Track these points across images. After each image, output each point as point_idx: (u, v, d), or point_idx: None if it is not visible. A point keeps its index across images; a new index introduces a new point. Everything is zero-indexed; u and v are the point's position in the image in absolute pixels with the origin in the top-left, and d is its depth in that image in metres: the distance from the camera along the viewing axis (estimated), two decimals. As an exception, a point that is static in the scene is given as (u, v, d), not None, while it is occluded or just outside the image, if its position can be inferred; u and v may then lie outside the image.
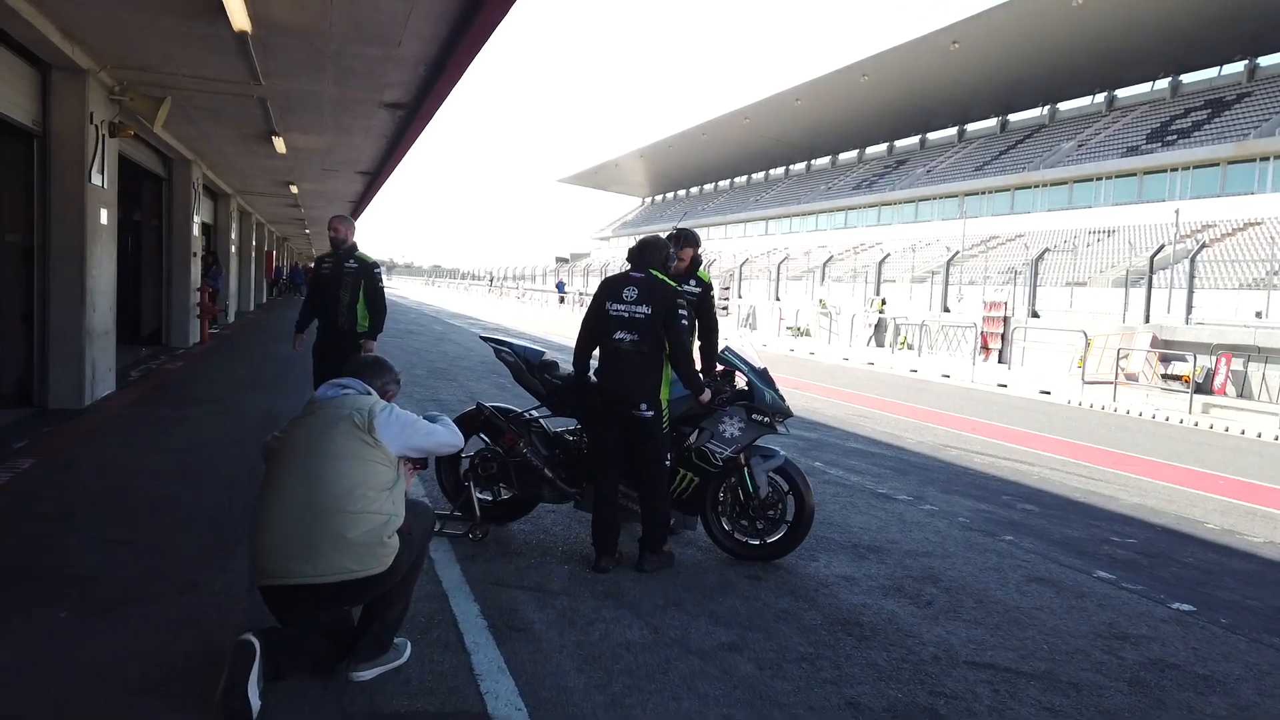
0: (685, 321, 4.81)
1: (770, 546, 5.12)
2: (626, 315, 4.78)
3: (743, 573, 4.92)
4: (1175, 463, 10.36)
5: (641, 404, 4.75)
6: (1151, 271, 17.96)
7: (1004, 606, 4.64)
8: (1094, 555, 5.83)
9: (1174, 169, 42.08)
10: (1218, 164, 40.33)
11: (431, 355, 17.74)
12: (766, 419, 4.98)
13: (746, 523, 5.13)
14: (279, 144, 13.50)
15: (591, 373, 5.14)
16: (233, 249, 24.69)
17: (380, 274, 7.18)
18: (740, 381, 5.22)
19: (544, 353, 5.33)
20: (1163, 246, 19.89)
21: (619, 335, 4.78)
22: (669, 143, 71.52)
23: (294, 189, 21.27)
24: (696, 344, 5.39)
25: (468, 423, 5.34)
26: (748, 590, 4.63)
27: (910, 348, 23.77)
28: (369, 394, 3.42)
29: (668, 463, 4.87)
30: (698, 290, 5.50)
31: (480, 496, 5.32)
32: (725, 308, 32.78)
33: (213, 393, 10.51)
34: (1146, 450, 11.21)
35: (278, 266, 44.40)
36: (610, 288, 4.89)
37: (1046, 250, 23.43)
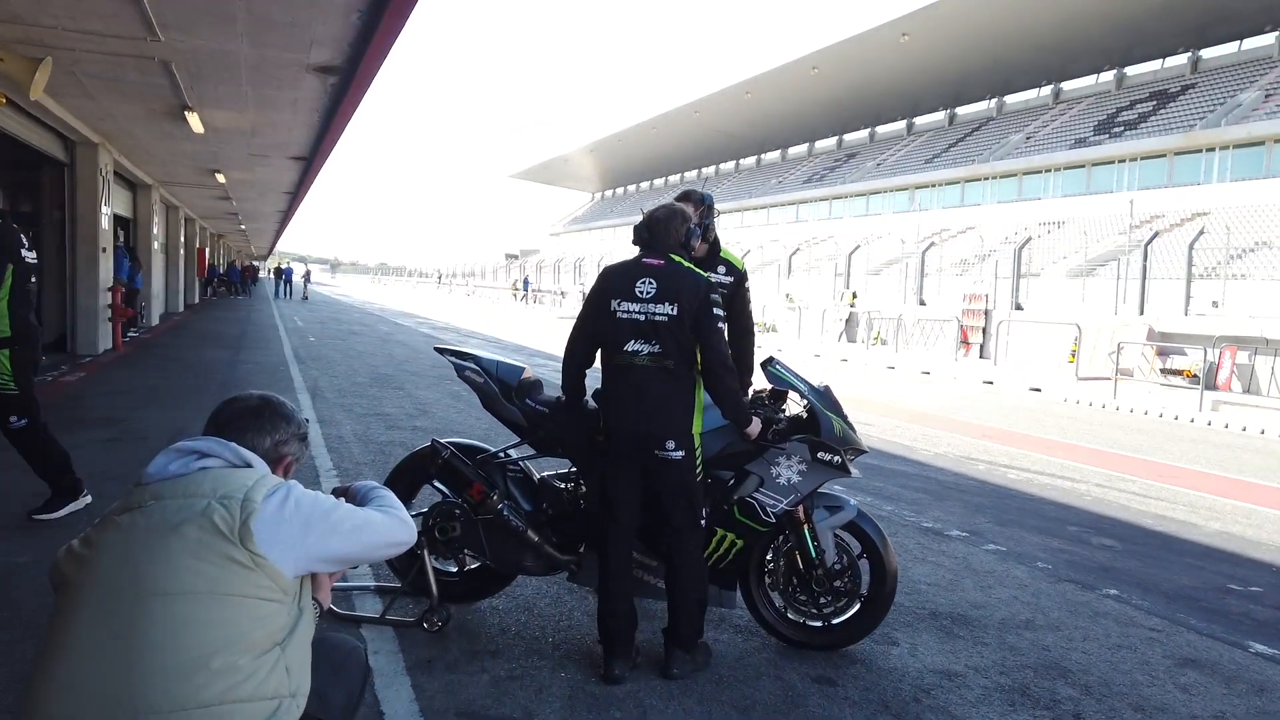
0: (721, 325, 3.44)
1: (837, 631, 3.77)
2: (643, 318, 3.39)
3: (806, 672, 3.56)
4: (1220, 472, 9.29)
5: (666, 441, 3.37)
6: (1145, 260, 17.07)
7: (1174, 716, 3.36)
8: (1228, 615, 4.59)
9: (1121, 160, 41.97)
10: (1164, 155, 40.26)
11: (376, 359, 16.13)
12: (837, 458, 3.62)
13: (806, 598, 3.77)
14: (194, 121, 11.78)
15: (590, 395, 3.75)
16: (155, 245, 22.69)
17: (19, 256, 4.77)
18: (791, 404, 3.86)
19: (523, 369, 3.90)
20: (1156, 233, 19.07)
21: (633, 346, 3.40)
22: (619, 137, 70.28)
23: (220, 178, 19.39)
24: None
25: (417, 468, 3.90)
26: (823, 707, 3.27)
27: (884, 343, 22.72)
28: (245, 466, 1.95)
29: (702, 522, 3.49)
30: (729, 280, 4.12)
31: (439, 567, 3.89)
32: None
33: (111, 410, 8.85)
34: (1178, 456, 10.15)
35: (212, 265, 41.94)
36: (617, 280, 3.49)
37: (1030, 239, 22.55)
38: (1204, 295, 20.32)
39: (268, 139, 13.74)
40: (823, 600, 3.75)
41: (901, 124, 58.11)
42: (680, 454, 3.38)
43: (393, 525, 2.04)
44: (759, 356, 4.12)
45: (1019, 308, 19.67)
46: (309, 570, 1.86)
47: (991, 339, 19.42)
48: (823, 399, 3.69)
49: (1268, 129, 35.92)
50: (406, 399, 10.81)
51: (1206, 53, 43.89)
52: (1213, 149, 38.21)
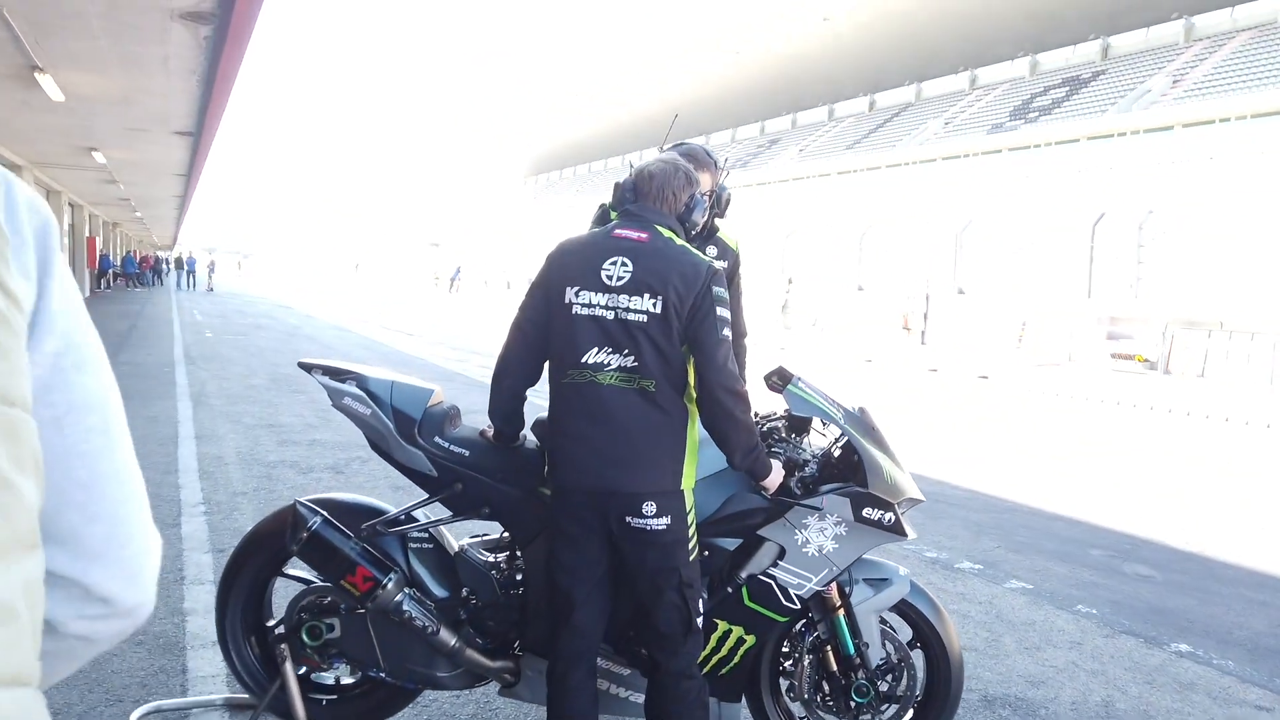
0: (728, 332, 2.32)
1: (885, 750, 2.70)
2: (611, 316, 2.25)
3: (850, 822, 2.48)
4: (1205, 468, 8.63)
5: (643, 503, 2.24)
6: (1093, 241, 16.60)
7: None
8: (1331, 676, 3.69)
9: (1037, 146, 42.41)
10: (1078, 140, 40.78)
11: (279, 356, 14.58)
12: (889, 514, 2.53)
13: (839, 709, 2.69)
14: (50, 86, 10.14)
15: (530, 428, 2.61)
16: (29, 233, 20.50)
17: None
18: (815, 435, 2.76)
19: (431, 392, 2.71)
20: (1103, 214, 18.68)
21: (595, 357, 2.26)
22: (546, 122, 69.09)
23: (99, 157, 17.45)
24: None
25: (275, 540, 2.68)
26: None
27: (820, 330, 21.99)
28: None
29: (700, 617, 2.37)
30: (722, 264, 3.00)
31: (309, 677, 2.70)
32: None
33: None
34: (1154, 450, 9.49)
35: (103, 254, 39.02)
36: (575, 259, 2.35)
37: (971, 221, 22.07)
38: (1120, 278, 20.10)
39: (144, 109, 12.09)
40: (863, 707, 2.67)
41: (823, 109, 58.02)
42: (664, 522, 2.25)
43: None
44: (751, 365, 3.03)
45: (960, 292, 19.11)
46: None
47: (933, 324, 18.81)
48: (862, 428, 2.61)
49: (1176, 114, 36.51)
50: (307, 405, 9.43)
51: (1116, 40, 44.62)
52: (1124, 134, 38.81)
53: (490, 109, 79.66)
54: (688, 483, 2.31)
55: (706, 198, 2.52)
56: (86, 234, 33.16)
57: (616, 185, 2.47)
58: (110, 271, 40.99)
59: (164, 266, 54.13)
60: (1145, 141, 37.43)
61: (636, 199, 2.41)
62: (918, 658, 2.72)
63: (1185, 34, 41.19)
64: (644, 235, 2.31)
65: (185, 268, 46.67)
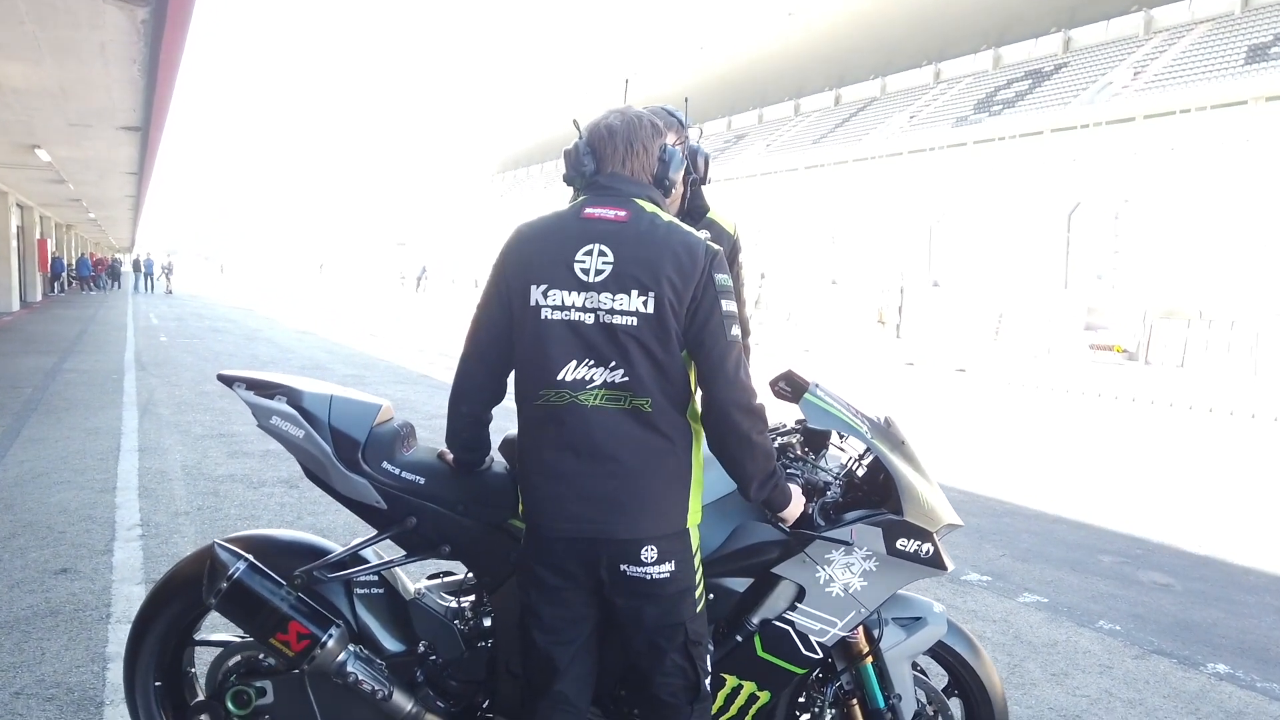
0: (737, 329, 1.92)
1: (920, 817, 2.32)
2: (591, 320, 1.83)
3: None
4: (1196, 462, 8.40)
5: (642, 548, 1.83)
6: (1069, 231, 16.45)
7: None
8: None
9: (1001, 139, 42.57)
10: (1042, 133, 40.98)
11: (235, 361, 14.02)
12: (926, 546, 2.14)
13: (867, 770, 2.31)
14: (-22, 77, 9.55)
15: (497, 449, 2.19)
16: (-28, 235, 19.71)
17: None
18: (835, 450, 2.38)
19: (379, 407, 2.27)
20: (1078, 205, 18.55)
21: (575, 372, 1.83)
22: (513, 123, 68.72)
23: (43, 155, 16.67)
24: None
25: (181, 586, 2.24)
26: None
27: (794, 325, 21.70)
28: None
29: (708, 678, 1.97)
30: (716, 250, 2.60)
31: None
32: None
33: None
34: (1140, 444, 9.28)
35: (55, 257, 37.82)
36: (538, 251, 1.89)
37: (943, 214, 21.90)
38: (1096, 268, 20.00)
39: (85, 102, 11.46)
40: (894, 769, 2.29)
41: (789, 104, 58.03)
42: (667, 569, 1.84)
43: None
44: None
45: (935, 285, 18.91)
46: None
47: (908, 318, 18.60)
48: (890, 442, 2.21)
49: (1137, 106, 36.78)
50: (263, 412, 8.90)
51: (1076, 32, 44.94)
52: (1087, 126, 39.03)
53: (458, 107, 78.92)
54: (693, 519, 1.90)
55: (680, 148, 2.10)
56: (37, 236, 32.09)
57: (567, 153, 1.99)
58: (64, 274, 39.84)
59: (119, 269, 52.79)
60: (1108, 133, 37.70)
61: (598, 166, 1.94)
62: (955, 707, 2.35)
63: (1145, 26, 41.51)
64: (623, 213, 1.86)
65: (142, 270, 45.47)
